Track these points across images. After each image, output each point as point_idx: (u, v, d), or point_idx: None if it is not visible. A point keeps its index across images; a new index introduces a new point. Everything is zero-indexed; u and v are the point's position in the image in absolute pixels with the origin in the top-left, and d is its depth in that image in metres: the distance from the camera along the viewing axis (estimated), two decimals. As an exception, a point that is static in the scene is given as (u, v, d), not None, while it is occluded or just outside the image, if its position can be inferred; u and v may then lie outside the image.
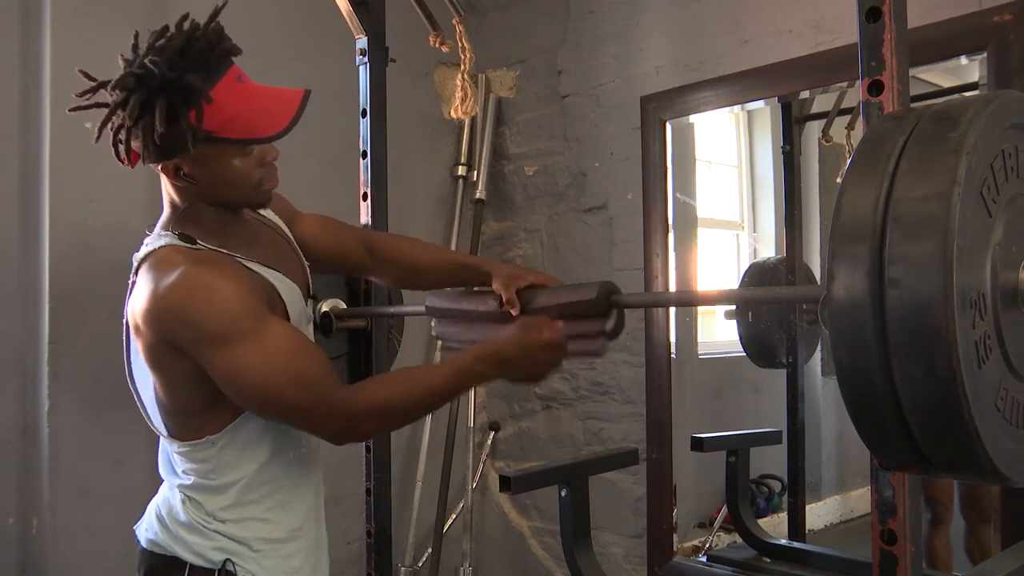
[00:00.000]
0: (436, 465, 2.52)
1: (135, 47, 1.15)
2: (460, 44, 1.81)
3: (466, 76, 1.82)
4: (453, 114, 1.88)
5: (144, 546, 1.29)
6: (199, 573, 1.21)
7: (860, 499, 2.40)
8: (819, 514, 2.38)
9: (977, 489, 1.88)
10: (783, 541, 2.06)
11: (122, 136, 1.14)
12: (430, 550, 2.48)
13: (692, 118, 2.17)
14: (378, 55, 1.78)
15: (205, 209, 1.23)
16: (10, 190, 1.89)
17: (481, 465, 2.67)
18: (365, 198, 1.78)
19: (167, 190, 1.23)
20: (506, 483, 1.44)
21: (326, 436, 1.23)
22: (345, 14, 1.74)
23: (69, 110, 1.21)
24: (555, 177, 2.53)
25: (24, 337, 1.89)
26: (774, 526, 2.22)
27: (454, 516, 2.59)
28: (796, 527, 2.26)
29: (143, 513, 1.33)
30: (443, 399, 1.26)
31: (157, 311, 1.13)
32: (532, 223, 2.61)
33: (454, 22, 1.83)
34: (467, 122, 2.67)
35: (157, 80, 1.09)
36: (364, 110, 1.78)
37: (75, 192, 1.92)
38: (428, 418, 2.54)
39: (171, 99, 1.10)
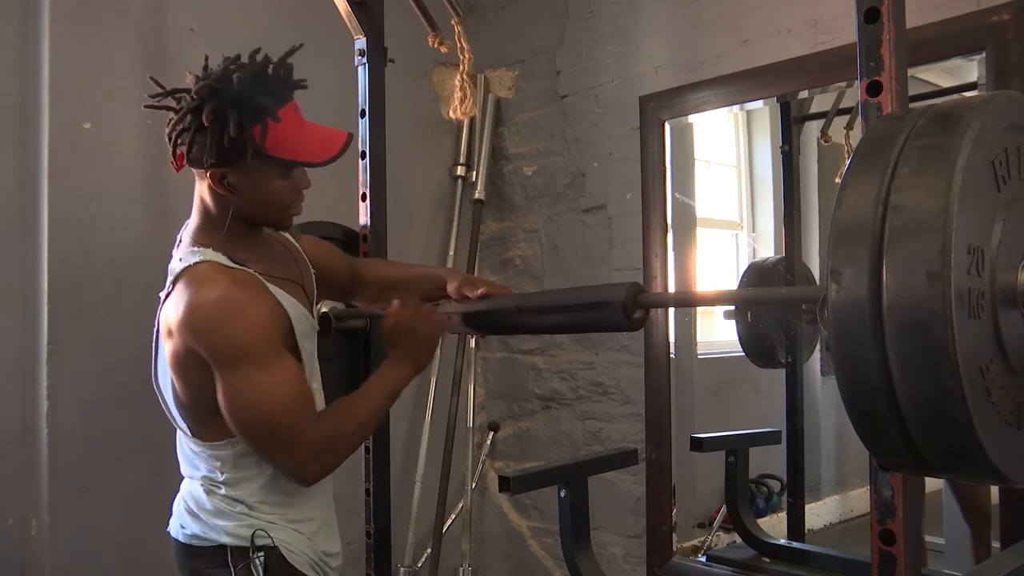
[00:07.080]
0: (435, 465, 2.52)
1: (206, 67, 1.29)
2: (459, 44, 1.81)
3: (465, 76, 1.82)
4: (452, 114, 1.88)
5: (184, 542, 1.39)
6: (237, 553, 1.33)
7: (859, 498, 2.40)
8: (818, 514, 2.38)
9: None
10: (782, 541, 2.06)
11: (183, 139, 1.26)
12: (429, 550, 2.48)
13: (691, 118, 2.17)
14: (377, 56, 1.78)
15: (234, 221, 1.33)
16: (9, 190, 1.89)
17: (480, 465, 2.67)
18: (364, 198, 1.79)
19: (203, 197, 1.34)
20: (505, 483, 1.43)
21: (294, 471, 1.32)
22: (344, 14, 1.74)
23: (144, 106, 1.32)
24: (554, 177, 2.53)
25: (24, 337, 1.89)
26: (773, 526, 2.22)
27: (453, 516, 2.59)
28: (795, 527, 2.26)
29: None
30: (382, 409, 1.42)
31: (192, 323, 1.24)
32: (531, 223, 2.61)
33: (453, 22, 1.83)
34: (466, 122, 2.67)
35: (233, 94, 1.23)
36: (363, 110, 1.78)
37: (74, 192, 1.92)
38: (427, 418, 2.54)
39: (242, 113, 1.23)
